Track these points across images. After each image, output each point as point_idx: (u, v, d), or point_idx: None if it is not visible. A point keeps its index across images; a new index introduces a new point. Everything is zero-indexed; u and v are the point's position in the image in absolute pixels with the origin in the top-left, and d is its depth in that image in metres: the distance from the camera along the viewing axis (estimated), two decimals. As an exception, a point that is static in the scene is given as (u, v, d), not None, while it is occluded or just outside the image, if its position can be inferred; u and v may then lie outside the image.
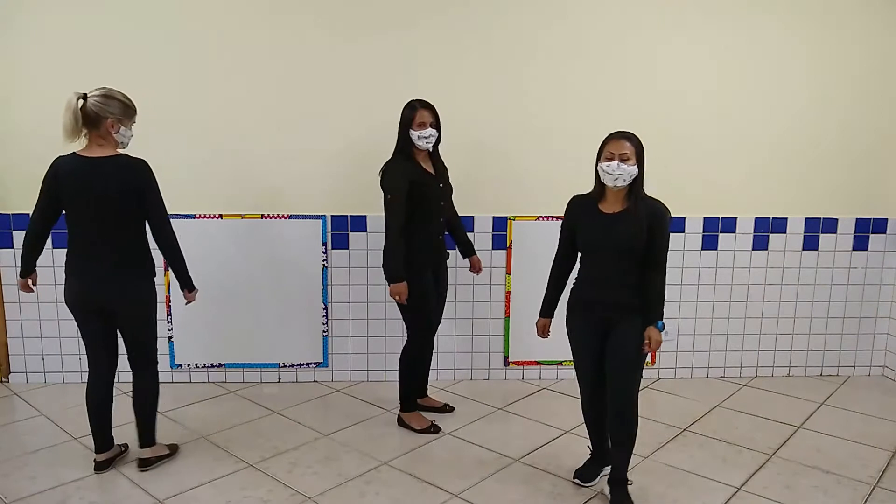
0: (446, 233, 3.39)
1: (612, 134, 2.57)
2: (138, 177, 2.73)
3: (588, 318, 2.65)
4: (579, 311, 2.69)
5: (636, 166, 2.51)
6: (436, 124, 3.18)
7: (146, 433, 2.92)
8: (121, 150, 2.77)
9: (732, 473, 2.96)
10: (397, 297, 3.13)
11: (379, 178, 3.18)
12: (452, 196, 3.40)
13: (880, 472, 3.00)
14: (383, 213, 3.15)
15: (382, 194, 3.13)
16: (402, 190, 3.08)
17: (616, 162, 2.49)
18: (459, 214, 3.81)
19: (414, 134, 3.12)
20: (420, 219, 3.16)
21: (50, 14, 3.59)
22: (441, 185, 3.25)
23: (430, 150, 3.21)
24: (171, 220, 2.85)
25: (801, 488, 2.85)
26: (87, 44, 3.61)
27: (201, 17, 3.65)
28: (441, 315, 3.48)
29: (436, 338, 3.47)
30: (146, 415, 2.92)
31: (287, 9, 3.66)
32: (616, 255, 2.56)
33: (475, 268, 3.55)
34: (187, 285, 2.92)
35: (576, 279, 2.76)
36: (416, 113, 3.12)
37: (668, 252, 2.59)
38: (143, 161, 2.77)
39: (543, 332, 2.86)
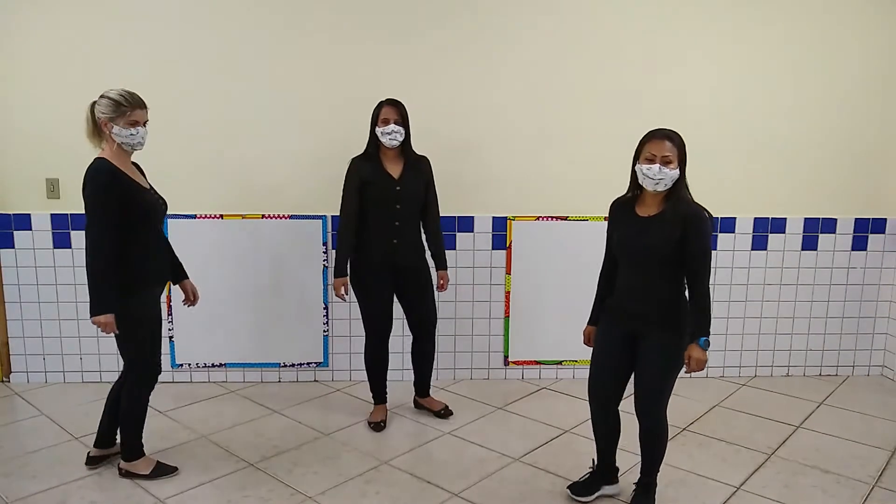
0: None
1: (652, 133, 2.38)
2: (84, 184, 2.59)
3: (613, 328, 2.52)
4: (610, 320, 2.55)
5: (678, 169, 2.34)
6: (401, 122, 3.13)
7: (122, 444, 2.85)
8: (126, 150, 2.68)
9: (732, 473, 2.97)
10: (336, 293, 3.27)
11: None
12: (428, 201, 3.30)
13: (879, 471, 3.00)
14: None
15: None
16: (352, 188, 3.18)
17: (658, 166, 2.31)
18: (460, 215, 3.83)
19: (378, 131, 3.14)
20: (372, 219, 3.20)
21: (50, 15, 3.59)
22: (398, 187, 3.16)
23: (398, 147, 3.17)
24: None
25: (800, 488, 2.85)
26: (87, 45, 3.62)
27: (201, 18, 3.65)
28: (389, 321, 3.34)
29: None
30: (122, 425, 2.84)
31: (287, 11, 3.67)
32: (645, 262, 2.39)
33: (439, 284, 3.39)
34: (92, 308, 2.59)
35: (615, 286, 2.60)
36: (381, 110, 3.14)
37: (710, 261, 2.37)
38: (91, 165, 2.60)
39: (590, 340, 2.69)
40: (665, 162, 2.33)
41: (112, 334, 2.63)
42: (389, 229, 3.20)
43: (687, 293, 2.42)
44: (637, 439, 2.58)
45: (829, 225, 4.06)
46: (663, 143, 2.34)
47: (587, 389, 2.64)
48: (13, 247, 3.77)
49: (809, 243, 4.07)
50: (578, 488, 2.72)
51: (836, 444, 3.27)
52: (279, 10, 3.67)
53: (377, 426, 3.36)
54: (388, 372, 3.43)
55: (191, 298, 2.98)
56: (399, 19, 3.71)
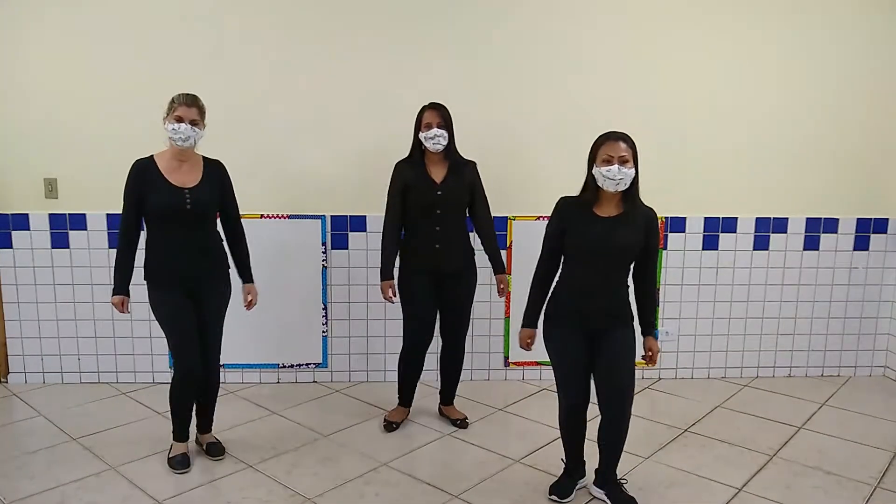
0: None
1: (605, 135, 2.46)
2: None
3: (572, 329, 2.55)
4: (565, 321, 2.56)
5: (633, 168, 2.43)
6: (444, 125, 3.12)
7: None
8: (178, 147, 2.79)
9: (733, 474, 2.95)
10: (383, 295, 3.23)
11: None
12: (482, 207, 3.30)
13: (881, 472, 2.99)
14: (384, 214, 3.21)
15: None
16: (395, 191, 3.17)
17: (616, 166, 2.39)
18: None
19: (422, 136, 3.13)
20: (413, 224, 3.20)
21: (51, 14, 3.58)
22: (439, 192, 3.15)
23: (442, 151, 3.15)
24: None
25: (802, 489, 2.84)
26: (87, 44, 3.61)
27: (203, 19, 3.64)
28: (431, 325, 3.30)
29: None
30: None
31: (288, 12, 3.66)
32: (613, 261, 2.48)
33: (499, 288, 3.35)
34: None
35: (557, 286, 2.62)
36: (423, 114, 3.13)
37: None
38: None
39: (528, 344, 2.66)
40: (622, 161, 2.41)
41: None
42: (431, 234, 3.17)
43: (633, 289, 2.60)
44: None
45: (831, 225, 4.05)
46: (618, 144, 2.42)
47: (561, 395, 2.64)
48: (11, 247, 3.76)
49: (811, 243, 4.05)
50: (559, 491, 2.73)
51: (838, 445, 3.26)
52: (283, 9, 3.65)
53: (389, 426, 3.34)
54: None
55: (246, 300, 3.06)
56: (402, 20, 3.70)
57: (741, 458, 3.10)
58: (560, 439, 2.76)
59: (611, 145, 2.42)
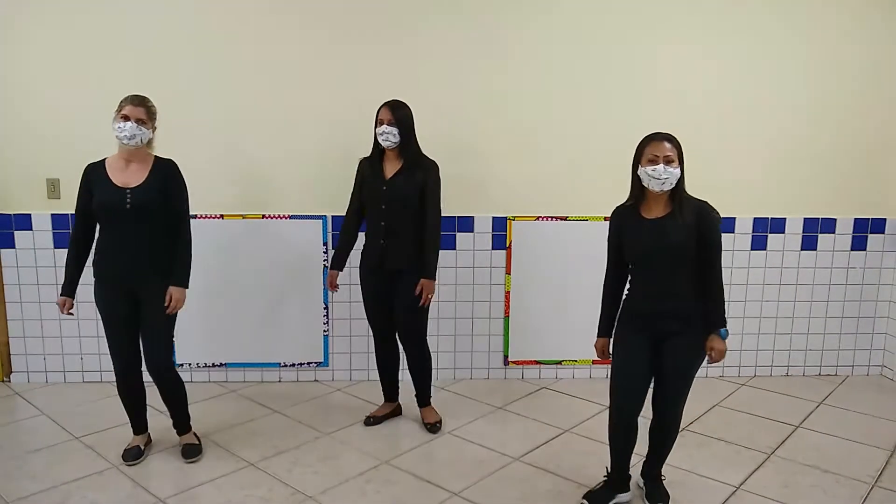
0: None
1: (650, 136, 2.44)
2: None
3: (635, 336, 2.52)
4: (630, 325, 2.55)
5: (679, 168, 2.41)
6: (395, 122, 3.07)
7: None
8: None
9: (731, 473, 2.97)
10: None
11: None
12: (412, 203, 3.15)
13: (879, 471, 3.01)
14: None
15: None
16: (355, 185, 3.28)
17: (662, 165, 2.36)
18: (460, 215, 3.83)
19: (376, 131, 3.15)
20: (366, 219, 3.28)
21: (51, 15, 3.59)
22: (385, 187, 3.13)
23: (396, 149, 3.13)
24: None
25: (799, 487, 2.85)
26: (87, 44, 3.62)
27: (201, 19, 3.66)
28: (383, 322, 3.31)
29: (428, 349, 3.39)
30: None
31: (288, 11, 3.67)
32: (667, 262, 2.42)
33: (416, 292, 3.17)
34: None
35: (628, 291, 2.60)
36: (379, 111, 3.14)
37: (722, 253, 2.45)
38: None
39: (604, 353, 2.65)
40: (668, 161, 2.38)
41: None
42: (377, 230, 3.19)
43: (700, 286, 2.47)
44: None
45: (829, 225, 4.06)
46: (663, 144, 2.40)
47: (614, 402, 2.57)
48: (14, 247, 3.77)
49: (809, 243, 4.07)
50: (594, 497, 2.68)
51: (836, 443, 3.27)
52: (283, 10, 3.67)
53: (366, 419, 3.40)
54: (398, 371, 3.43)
55: (166, 301, 2.86)
56: (401, 19, 3.71)
57: (739, 457, 3.12)
58: (609, 449, 2.66)
59: (656, 145, 2.41)
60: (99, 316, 3.76)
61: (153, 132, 2.85)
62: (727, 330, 2.44)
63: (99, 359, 3.88)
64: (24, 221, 3.76)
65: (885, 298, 4.16)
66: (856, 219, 4.07)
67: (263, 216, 3.83)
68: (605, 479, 2.73)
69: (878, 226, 4.09)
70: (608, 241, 2.60)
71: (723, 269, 2.45)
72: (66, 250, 2.88)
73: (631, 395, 2.53)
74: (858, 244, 4.10)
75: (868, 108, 3.96)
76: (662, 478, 2.73)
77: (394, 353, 3.42)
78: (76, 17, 3.60)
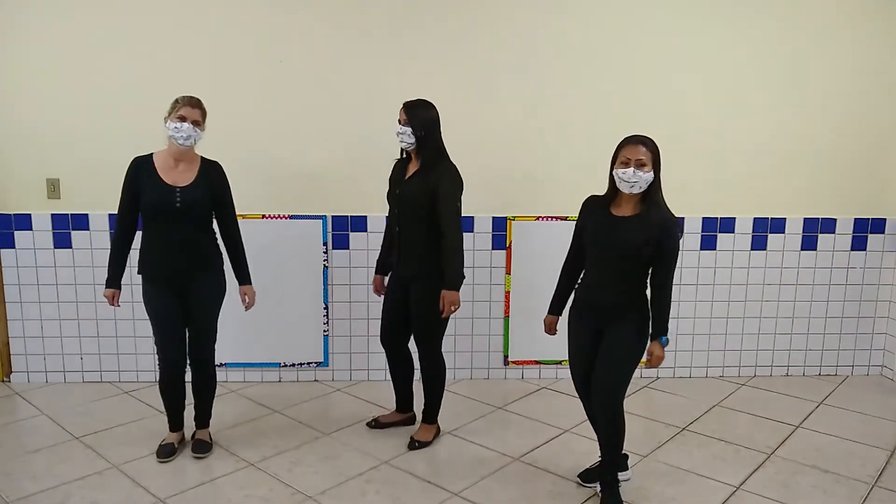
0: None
1: (627, 139, 2.51)
2: None
3: (584, 320, 2.64)
4: (577, 312, 2.68)
5: (652, 172, 2.45)
6: (409, 122, 2.97)
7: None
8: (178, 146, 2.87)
9: (731, 472, 2.97)
10: None
11: None
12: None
13: (879, 471, 3.01)
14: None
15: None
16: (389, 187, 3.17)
17: (632, 169, 2.43)
18: (462, 214, 3.84)
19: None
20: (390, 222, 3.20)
21: (51, 14, 3.59)
22: (397, 191, 3.06)
23: (412, 149, 3.03)
24: None
25: (799, 487, 2.86)
26: (87, 44, 3.62)
27: (201, 19, 3.66)
28: (389, 332, 3.25)
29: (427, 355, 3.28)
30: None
31: (288, 11, 3.67)
32: (618, 259, 2.52)
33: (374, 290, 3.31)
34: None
35: (581, 280, 2.73)
36: (400, 113, 3.04)
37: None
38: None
39: (550, 328, 2.83)
40: (639, 165, 2.44)
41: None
42: (393, 235, 3.13)
43: (649, 291, 2.57)
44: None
45: (829, 225, 4.07)
46: (637, 148, 2.46)
47: (574, 387, 2.76)
48: (14, 247, 3.77)
49: (809, 243, 4.07)
50: (586, 475, 2.83)
51: (836, 443, 3.27)
52: (280, 11, 3.67)
53: (371, 422, 3.39)
54: (386, 373, 3.38)
55: (244, 302, 3.11)
56: (399, 18, 3.71)
57: (739, 457, 3.12)
58: None
59: (630, 148, 2.47)
60: (100, 316, 3.82)
61: (204, 132, 2.90)
62: (668, 339, 2.53)
63: (99, 359, 3.88)
64: (24, 221, 3.76)
65: (886, 298, 4.16)
66: (856, 219, 4.07)
67: (263, 216, 3.83)
68: (601, 458, 2.76)
69: (879, 226, 4.09)
70: (575, 225, 2.71)
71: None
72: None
73: (580, 374, 2.69)
74: (858, 244, 4.10)
75: (868, 107, 3.97)
76: (618, 483, 2.66)
77: (404, 363, 3.32)
78: (76, 17, 3.60)
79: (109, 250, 2.97)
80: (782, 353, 4.18)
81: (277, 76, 3.72)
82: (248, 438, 3.24)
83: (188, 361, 3.02)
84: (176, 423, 3.10)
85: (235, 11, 3.66)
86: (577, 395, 2.81)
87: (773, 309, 4.11)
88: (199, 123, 2.84)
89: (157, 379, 3.03)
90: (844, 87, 3.93)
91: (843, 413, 3.66)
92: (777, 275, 4.08)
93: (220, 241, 3.05)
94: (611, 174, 2.54)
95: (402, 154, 3.15)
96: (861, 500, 2.77)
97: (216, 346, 3.08)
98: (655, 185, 2.49)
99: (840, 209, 4.05)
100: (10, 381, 3.90)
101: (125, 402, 3.66)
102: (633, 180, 2.44)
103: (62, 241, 3.77)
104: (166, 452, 3.01)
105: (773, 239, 4.05)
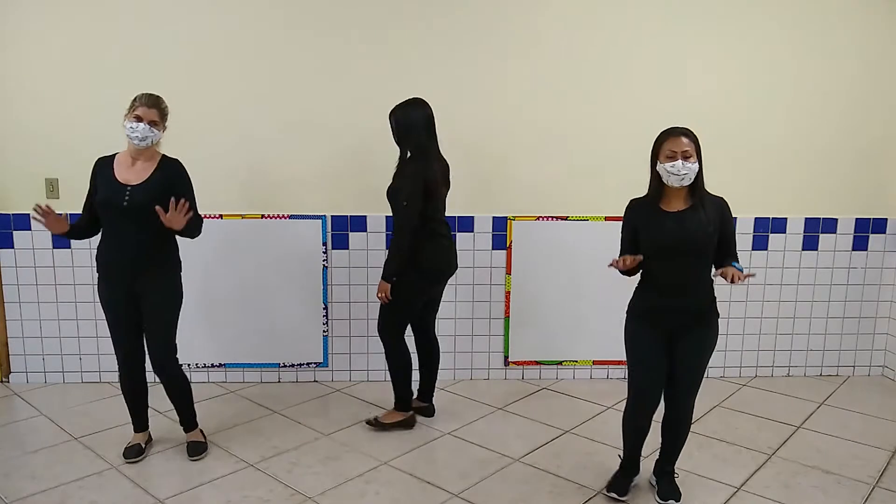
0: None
1: (667, 131, 2.47)
2: None
3: (652, 329, 2.54)
4: (646, 319, 2.56)
5: (697, 162, 2.43)
6: (390, 124, 3.21)
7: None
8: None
9: (732, 473, 2.96)
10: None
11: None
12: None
13: (880, 471, 3.00)
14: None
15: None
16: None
17: (680, 161, 2.40)
18: (460, 214, 3.85)
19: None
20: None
21: (51, 14, 3.59)
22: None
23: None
24: None
25: (800, 488, 2.85)
26: (86, 44, 3.62)
27: (201, 19, 3.65)
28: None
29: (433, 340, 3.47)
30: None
31: (286, 11, 3.67)
32: (690, 255, 2.46)
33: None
34: None
35: (639, 284, 2.62)
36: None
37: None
38: None
39: (630, 261, 2.47)
40: (686, 156, 2.41)
41: None
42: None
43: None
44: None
45: (830, 225, 4.06)
46: (680, 140, 2.43)
47: (635, 393, 2.62)
48: (12, 247, 3.77)
49: (810, 243, 4.06)
50: (617, 489, 2.73)
51: (837, 444, 3.27)
52: (282, 8, 3.66)
53: (370, 420, 3.40)
54: (385, 373, 3.40)
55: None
56: (396, 19, 3.71)
57: (740, 458, 3.11)
58: (622, 435, 2.76)
59: (673, 140, 2.43)
60: (98, 316, 3.81)
61: (163, 132, 2.85)
62: (740, 266, 2.47)
63: (98, 359, 3.88)
64: (24, 221, 3.75)
65: (887, 299, 4.15)
66: (857, 219, 4.06)
67: (263, 216, 3.82)
68: (620, 466, 2.79)
69: (880, 226, 4.08)
70: (622, 233, 2.60)
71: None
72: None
73: (654, 388, 2.59)
74: (860, 244, 4.09)
75: (869, 107, 3.96)
76: (676, 475, 2.75)
77: (420, 352, 3.48)
78: (76, 17, 3.60)
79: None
80: (783, 353, 4.17)
81: (277, 76, 3.71)
82: (247, 439, 3.24)
83: (146, 361, 2.97)
84: (138, 423, 3.08)
85: (235, 12, 3.66)
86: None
87: (774, 309, 4.11)
88: (156, 123, 2.78)
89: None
90: (844, 87, 3.93)
91: (845, 413, 3.65)
92: (778, 275, 4.07)
93: (176, 243, 2.95)
94: (654, 171, 2.49)
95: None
96: (862, 500, 2.76)
97: (178, 346, 2.98)
98: (700, 175, 2.46)
99: (841, 209, 4.05)
100: (8, 382, 3.89)
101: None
102: (683, 172, 2.40)
103: (61, 241, 3.76)
104: (133, 453, 2.99)
105: (773, 239, 4.04)
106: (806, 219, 4.03)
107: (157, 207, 2.72)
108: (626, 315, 2.66)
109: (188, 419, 3.09)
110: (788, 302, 4.11)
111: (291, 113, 3.74)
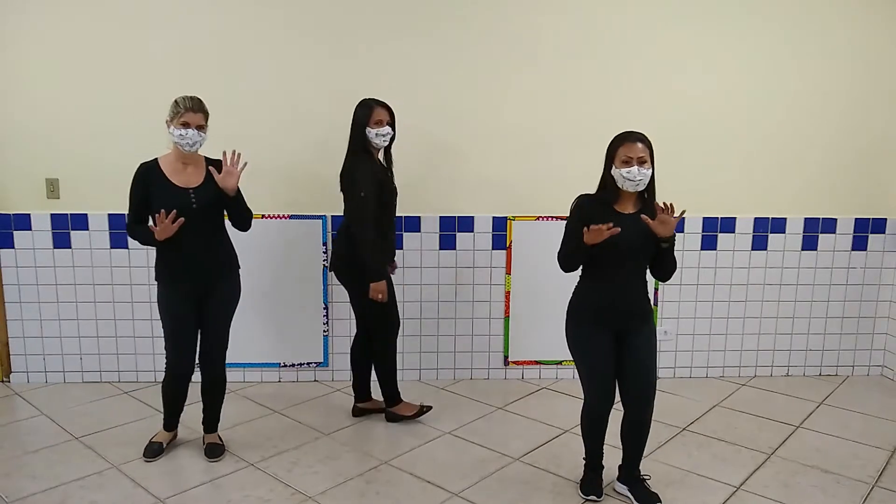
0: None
1: (622, 136, 2.47)
2: None
3: (607, 327, 2.56)
4: (591, 320, 2.57)
5: (651, 168, 2.45)
6: (391, 123, 3.18)
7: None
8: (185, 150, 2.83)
9: (731, 473, 2.97)
10: (380, 296, 3.15)
11: (340, 179, 3.23)
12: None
13: (879, 471, 3.00)
14: (349, 212, 3.19)
15: (347, 194, 3.17)
16: (372, 191, 3.12)
17: (636, 167, 2.41)
18: (460, 215, 3.86)
19: (371, 132, 3.12)
20: (383, 221, 3.21)
21: (51, 14, 3.59)
22: (393, 186, 3.28)
23: (385, 148, 3.24)
24: None
25: (800, 487, 2.85)
26: (88, 45, 3.62)
27: (200, 19, 3.65)
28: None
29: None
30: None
31: (284, 12, 3.67)
32: (640, 256, 2.50)
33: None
34: None
35: (581, 286, 2.64)
36: (373, 111, 3.12)
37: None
38: None
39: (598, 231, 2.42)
40: (640, 162, 2.43)
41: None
42: (393, 228, 3.34)
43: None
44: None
45: (830, 225, 4.06)
46: (636, 146, 2.44)
47: (593, 395, 2.63)
48: (13, 247, 3.77)
49: (809, 243, 4.07)
50: (594, 489, 2.75)
51: (836, 443, 3.27)
52: (278, 8, 3.67)
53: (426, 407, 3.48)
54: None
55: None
56: (398, 18, 3.71)
57: (739, 457, 3.12)
58: (581, 437, 2.78)
59: (629, 146, 2.44)
60: (99, 316, 3.82)
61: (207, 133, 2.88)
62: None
63: (98, 359, 3.88)
64: (24, 221, 3.76)
65: (886, 298, 4.15)
66: (856, 219, 4.06)
67: (263, 216, 3.82)
68: (585, 466, 2.80)
69: (879, 226, 4.08)
70: (568, 227, 2.57)
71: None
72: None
73: (606, 392, 2.61)
74: (859, 244, 4.09)
75: (869, 107, 3.96)
76: (645, 477, 2.74)
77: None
78: (76, 17, 3.60)
79: (132, 237, 2.92)
80: (783, 353, 4.17)
81: (277, 76, 3.71)
82: (247, 438, 3.24)
83: (196, 364, 3.00)
84: (171, 423, 3.10)
85: (235, 12, 3.66)
86: (577, 395, 2.79)
87: (774, 309, 4.11)
88: (202, 127, 2.81)
89: (162, 379, 3.02)
90: (844, 87, 3.93)
91: (844, 413, 3.65)
92: (777, 275, 4.08)
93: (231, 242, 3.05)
94: (607, 173, 2.51)
95: (368, 150, 3.18)
96: (862, 500, 2.77)
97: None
98: (652, 180, 2.50)
99: (840, 209, 4.05)
100: (9, 382, 3.90)
101: (125, 402, 3.66)
102: (639, 178, 2.42)
103: (61, 241, 3.77)
104: (153, 451, 3.00)
105: (773, 239, 4.04)
106: (805, 219, 4.04)
107: (210, 168, 2.85)
108: (567, 318, 2.65)
109: (214, 420, 3.12)
110: (788, 302, 4.11)
111: (291, 113, 3.74)
